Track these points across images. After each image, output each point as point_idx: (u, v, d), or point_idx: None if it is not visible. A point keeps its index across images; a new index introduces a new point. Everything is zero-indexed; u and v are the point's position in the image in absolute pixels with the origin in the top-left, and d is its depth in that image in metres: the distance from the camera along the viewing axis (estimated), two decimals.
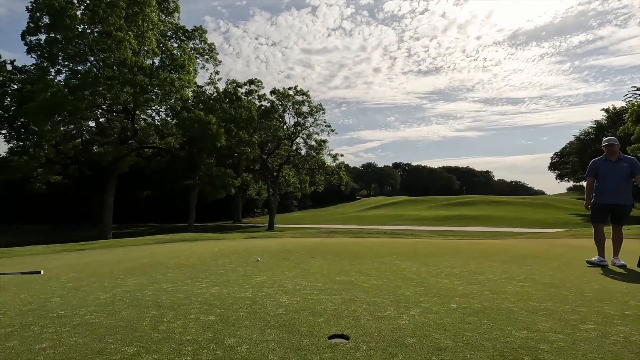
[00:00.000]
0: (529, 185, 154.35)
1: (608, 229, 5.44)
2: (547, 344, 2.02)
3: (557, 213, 41.63)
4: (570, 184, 77.72)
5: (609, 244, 5.30)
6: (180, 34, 31.55)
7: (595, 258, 5.17)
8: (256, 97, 37.34)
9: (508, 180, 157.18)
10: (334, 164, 41.58)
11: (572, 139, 52.09)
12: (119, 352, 1.94)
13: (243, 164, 40.93)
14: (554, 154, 63.24)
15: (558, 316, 2.58)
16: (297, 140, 40.38)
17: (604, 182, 5.28)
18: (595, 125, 46.50)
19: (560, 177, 59.13)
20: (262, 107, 37.27)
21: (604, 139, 5.52)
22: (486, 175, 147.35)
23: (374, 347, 1.98)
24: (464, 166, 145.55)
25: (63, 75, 26.86)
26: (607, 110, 46.04)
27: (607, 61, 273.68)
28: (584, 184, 5.68)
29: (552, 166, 62.57)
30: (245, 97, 35.77)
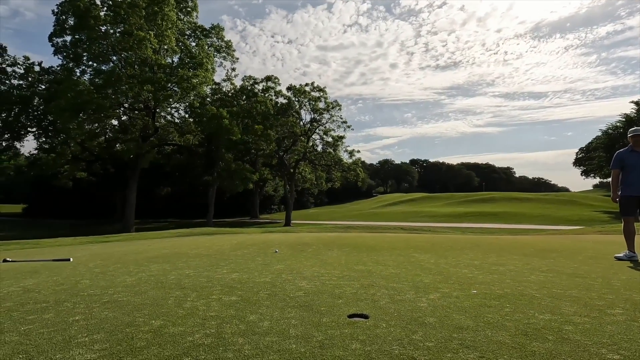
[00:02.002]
0: (552, 182, 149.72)
1: (638, 225, 5.24)
2: (572, 326, 1.98)
3: (582, 210, 40.21)
4: (597, 180, 74.55)
5: (638, 239, 5.10)
6: (199, 33, 32.06)
7: (623, 253, 4.98)
8: (273, 93, 37.55)
9: (530, 177, 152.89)
10: (351, 160, 41.42)
11: (599, 133, 49.95)
12: (147, 325, 2.03)
13: (260, 160, 41.32)
14: (579, 150, 60.91)
15: (583, 302, 2.51)
16: (313, 136, 40.44)
17: (631, 173, 5.09)
18: (624, 119, 44.42)
19: (585, 173, 56.91)
20: (279, 104, 37.44)
21: (630, 129, 5.31)
22: (507, 171, 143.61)
23: (394, 325, 1.99)
24: (484, 162, 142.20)
25: (87, 75, 27.81)
26: (637, 103, 43.94)
27: (637, 52, 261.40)
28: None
29: (577, 162, 60.29)
30: (262, 94, 36.03)
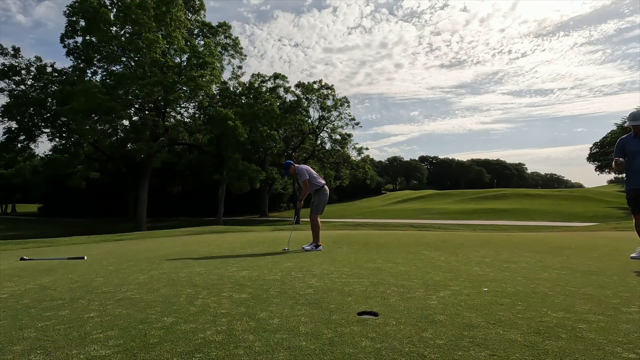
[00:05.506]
0: (565, 178, 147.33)
1: None
2: (586, 324, 1.94)
3: (596, 206, 39.42)
4: (612, 175, 72.80)
5: None
6: (206, 31, 32.25)
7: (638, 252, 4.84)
8: (282, 90, 37.52)
9: (542, 173, 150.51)
10: (359, 158, 41.29)
11: (614, 127, 48.62)
12: (159, 322, 2.06)
13: (268, 158, 41.47)
14: (594, 144, 59.43)
15: (598, 300, 2.47)
16: (321, 134, 40.40)
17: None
18: None
19: (600, 168, 55.54)
20: (287, 102, 37.43)
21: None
22: (518, 168, 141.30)
23: (404, 323, 1.98)
24: (495, 159, 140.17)
25: (99, 76, 28.25)
26: None
27: None
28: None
29: (592, 157, 58.88)
30: (269, 94, 36.03)
